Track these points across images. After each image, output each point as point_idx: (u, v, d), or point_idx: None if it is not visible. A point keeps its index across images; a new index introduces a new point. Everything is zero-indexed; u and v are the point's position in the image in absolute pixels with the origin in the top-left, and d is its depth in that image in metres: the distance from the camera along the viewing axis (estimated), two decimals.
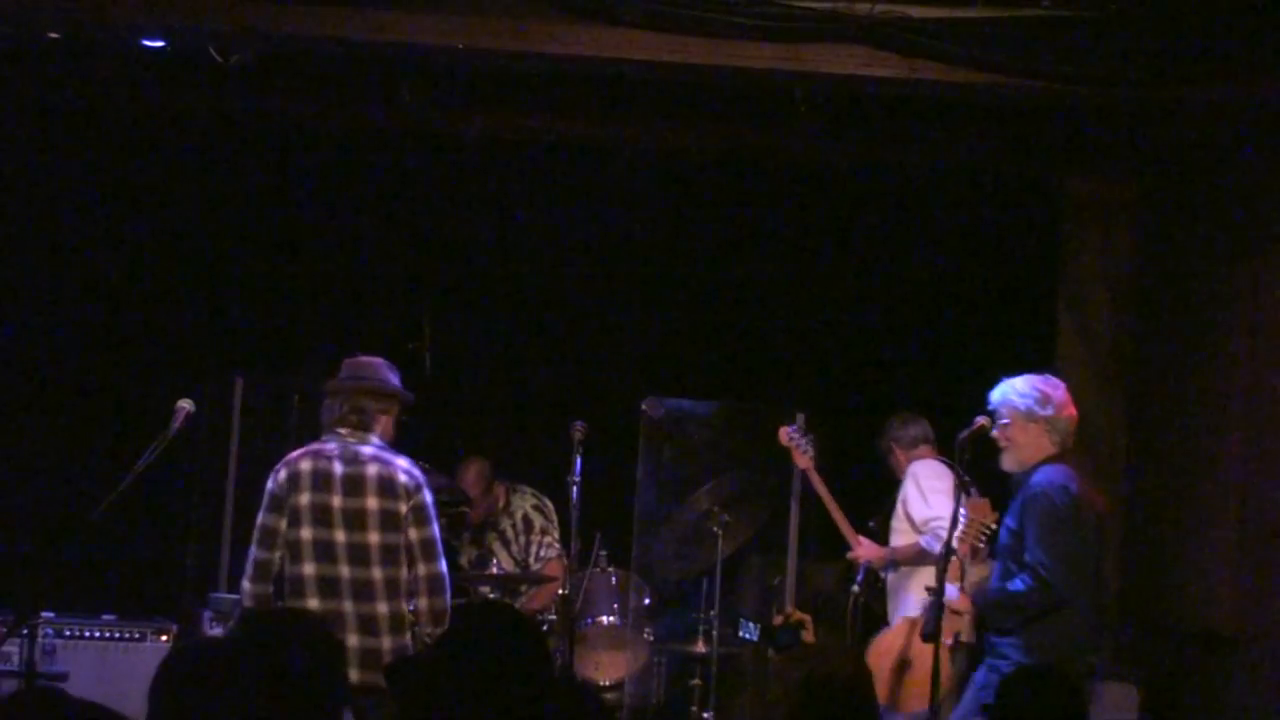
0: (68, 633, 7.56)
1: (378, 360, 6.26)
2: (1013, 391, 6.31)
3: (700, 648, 7.88)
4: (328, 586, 5.96)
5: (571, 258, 9.36)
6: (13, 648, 7.01)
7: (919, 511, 7.35)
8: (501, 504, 8.61)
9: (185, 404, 6.15)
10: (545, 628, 7.74)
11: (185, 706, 3.48)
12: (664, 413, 8.19)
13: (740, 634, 8.03)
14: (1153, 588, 8.34)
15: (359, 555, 5.97)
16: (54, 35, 7.45)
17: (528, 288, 9.37)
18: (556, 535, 8.49)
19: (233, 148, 8.95)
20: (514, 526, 8.55)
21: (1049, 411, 6.24)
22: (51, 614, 7.52)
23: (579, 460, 7.26)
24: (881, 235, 9.32)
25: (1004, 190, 9.14)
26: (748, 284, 9.40)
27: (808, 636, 7.04)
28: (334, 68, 8.15)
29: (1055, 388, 6.32)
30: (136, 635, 7.67)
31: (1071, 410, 6.31)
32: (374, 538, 5.97)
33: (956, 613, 6.22)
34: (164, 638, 7.67)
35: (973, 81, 7.20)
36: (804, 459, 7.55)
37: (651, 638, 8.10)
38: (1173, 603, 8.10)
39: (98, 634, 7.63)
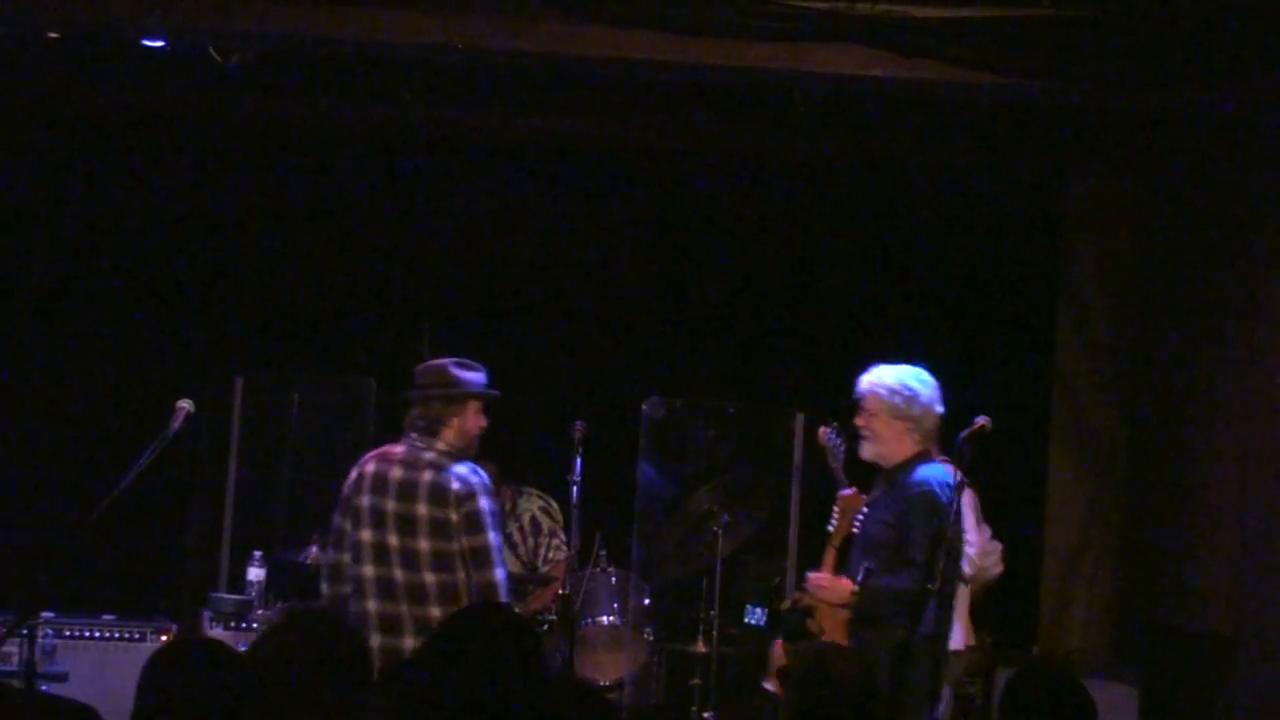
0: (68, 633, 7.55)
1: (446, 361, 6.35)
2: (881, 385, 6.29)
3: (700, 648, 7.87)
4: (385, 589, 6.06)
5: (571, 257, 9.35)
6: (13, 648, 7.01)
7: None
8: (508, 508, 8.58)
9: (185, 404, 6.16)
10: (545, 627, 7.73)
11: (172, 699, 3.49)
12: (664, 413, 8.18)
13: (746, 619, 8.01)
14: (1153, 588, 8.34)
15: (410, 560, 6.06)
16: (54, 35, 7.45)
17: (528, 288, 9.37)
18: (564, 537, 8.47)
19: (232, 147, 8.94)
20: (521, 529, 8.51)
21: (915, 411, 6.21)
22: (51, 614, 7.51)
23: (579, 460, 7.25)
24: (881, 235, 9.32)
25: (1004, 190, 9.14)
26: (748, 284, 9.39)
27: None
28: (334, 68, 8.15)
29: (925, 385, 6.28)
30: (136, 635, 7.66)
31: (938, 409, 6.25)
32: (424, 544, 6.05)
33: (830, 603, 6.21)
34: (164, 638, 7.66)
35: (973, 81, 7.20)
36: (835, 462, 7.23)
37: (651, 638, 8.10)
38: (1173, 603, 8.10)
39: (98, 634, 7.62)
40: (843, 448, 7.20)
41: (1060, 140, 8.59)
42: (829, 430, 7.30)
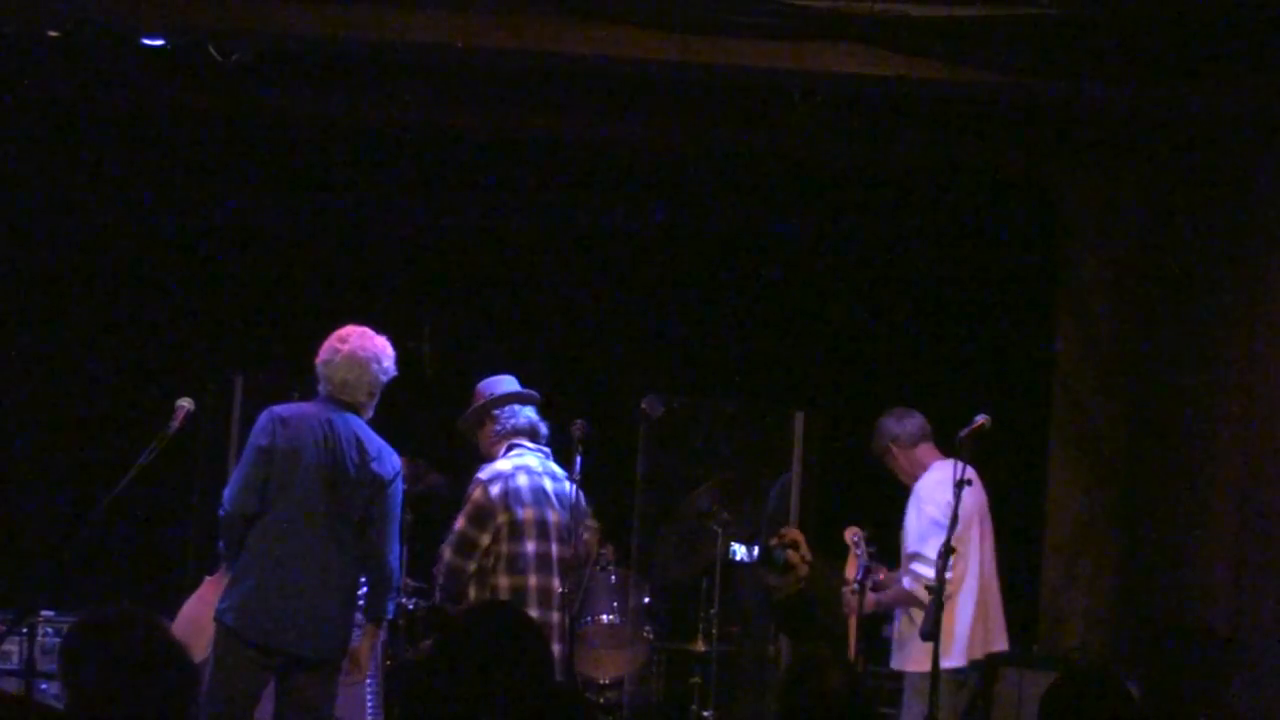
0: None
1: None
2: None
3: (700, 647, 7.87)
4: (545, 597, 6.63)
5: (571, 257, 9.36)
6: (12, 646, 7.02)
7: (909, 544, 6.93)
8: None
9: (185, 403, 6.16)
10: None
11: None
12: (663, 411, 8.14)
13: (730, 558, 8.01)
14: (1153, 588, 8.34)
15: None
16: (54, 33, 7.45)
17: (528, 287, 9.38)
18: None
19: (232, 147, 8.95)
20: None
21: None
22: (51, 612, 7.51)
23: (579, 459, 7.25)
24: (881, 234, 9.32)
25: (1004, 190, 9.14)
26: (748, 284, 9.40)
27: (794, 556, 7.08)
28: (334, 67, 8.15)
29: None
30: None
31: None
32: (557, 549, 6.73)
33: None
34: None
35: (973, 81, 7.21)
36: (853, 567, 6.99)
37: (651, 636, 8.10)
38: (1173, 603, 8.10)
39: None
40: (865, 554, 6.93)
41: (1060, 140, 8.59)
42: (855, 533, 7.04)
